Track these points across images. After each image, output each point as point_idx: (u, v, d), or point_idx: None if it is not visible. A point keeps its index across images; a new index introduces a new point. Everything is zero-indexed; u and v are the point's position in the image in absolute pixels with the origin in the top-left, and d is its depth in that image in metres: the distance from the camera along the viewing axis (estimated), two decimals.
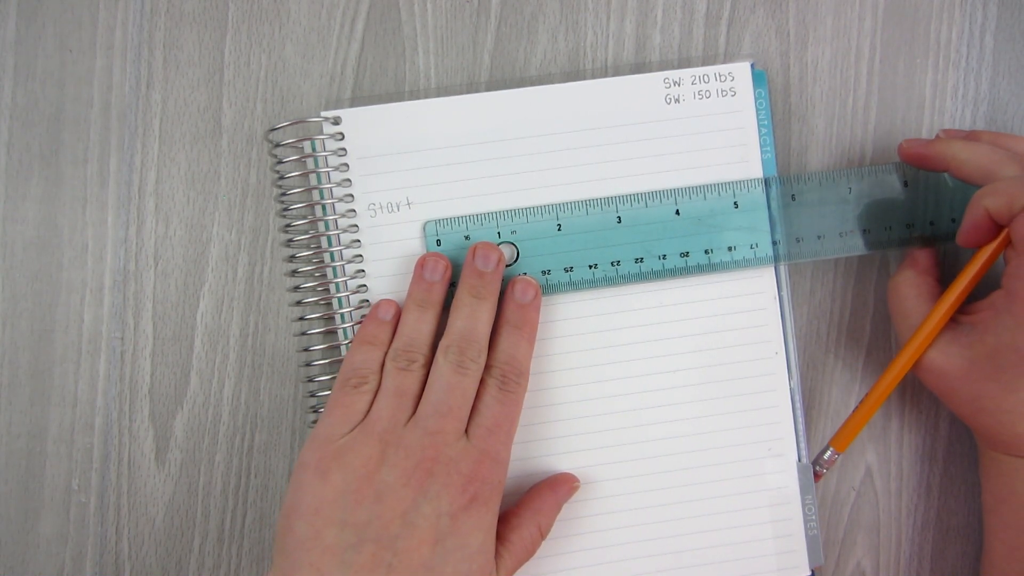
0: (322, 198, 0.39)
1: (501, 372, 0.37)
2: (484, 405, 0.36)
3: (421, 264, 0.38)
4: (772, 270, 0.40)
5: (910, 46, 0.42)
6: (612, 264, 0.39)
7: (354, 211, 0.39)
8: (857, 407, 0.38)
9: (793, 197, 0.40)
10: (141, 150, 0.41)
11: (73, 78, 0.41)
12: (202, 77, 0.41)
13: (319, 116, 0.39)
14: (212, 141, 0.41)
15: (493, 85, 0.41)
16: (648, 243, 0.39)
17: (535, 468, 0.40)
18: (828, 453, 0.39)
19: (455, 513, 0.34)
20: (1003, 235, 0.36)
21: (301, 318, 0.40)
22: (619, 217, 0.39)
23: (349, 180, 0.39)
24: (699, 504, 0.40)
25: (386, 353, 0.37)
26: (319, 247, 0.39)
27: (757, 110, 0.40)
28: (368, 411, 0.36)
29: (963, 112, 0.42)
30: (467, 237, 0.39)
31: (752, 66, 0.40)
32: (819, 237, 0.40)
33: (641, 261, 0.39)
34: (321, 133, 0.39)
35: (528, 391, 0.38)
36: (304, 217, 0.39)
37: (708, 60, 0.42)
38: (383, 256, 0.39)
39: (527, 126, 0.40)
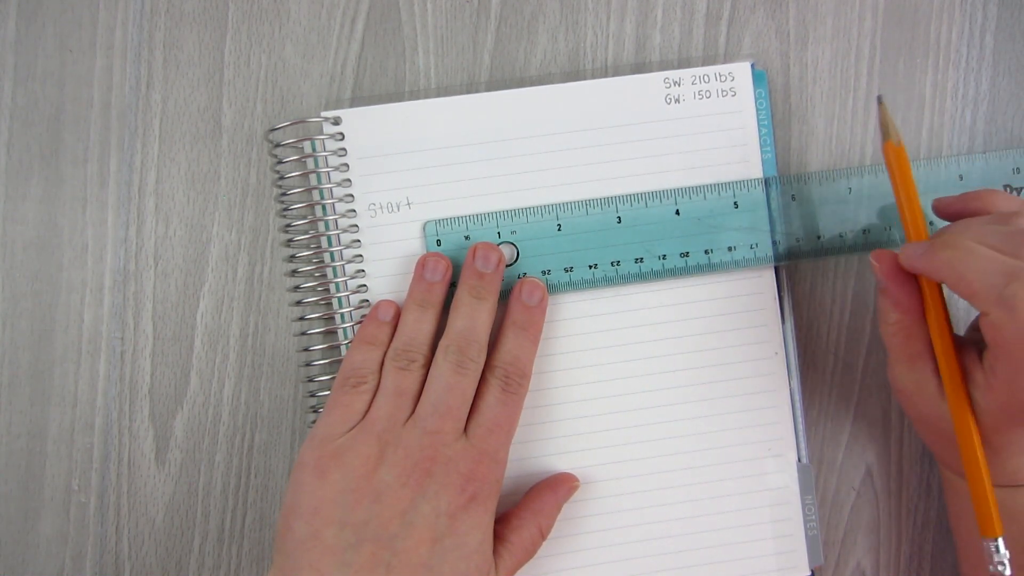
0: (322, 198, 0.39)
1: (504, 372, 0.37)
2: (485, 405, 0.36)
3: (422, 264, 0.38)
4: (772, 270, 0.40)
5: (910, 46, 0.42)
6: (612, 264, 0.39)
7: (354, 211, 0.39)
8: (972, 488, 0.34)
9: (793, 197, 0.40)
10: (141, 150, 0.41)
11: (73, 78, 0.41)
12: (202, 77, 0.41)
13: (319, 116, 0.39)
14: (212, 141, 0.41)
15: (493, 85, 0.41)
16: (648, 243, 0.39)
17: (535, 468, 0.40)
18: (993, 545, 0.34)
19: (453, 512, 0.34)
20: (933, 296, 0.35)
21: (301, 318, 0.40)
22: (619, 217, 0.39)
23: (349, 180, 0.39)
24: (699, 504, 0.40)
25: (386, 353, 0.37)
26: (319, 247, 0.39)
27: (757, 110, 0.40)
28: (367, 411, 0.36)
29: (963, 112, 0.42)
30: (467, 237, 0.39)
31: (752, 66, 0.40)
32: (819, 237, 0.40)
33: (641, 261, 0.39)
34: (321, 133, 0.39)
35: (528, 391, 0.38)
36: (304, 217, 0.40)
37: (708, 60, 0.42)
38: (383, 256, 0.39)
39: (527, 126, 0.40)
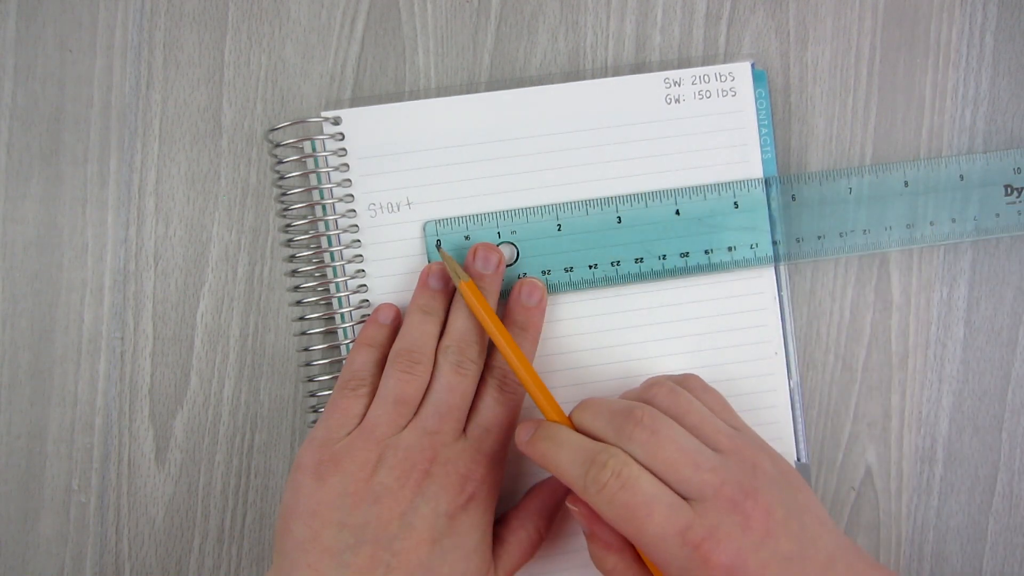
0: (322, 198, 0.39)
1: (503, 373, 0.37)
2: (484, 406, 0.36)
3: (426, 273, 0.38)
4: (772, 270, 0.40)
5: (910, 46, 0.42)
6: (612, 264, 0.39)
7: (354, 211, 0.39)
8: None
9: (793, 197, 0.40)
10: (141, 150, 0.41)
11: (73, 78, 0.41)
12: (202, 77, 0.41)
13: (319, 116, 0.39)
14: (212, 141, 0.41)
15: (493, 85, 0.41)
16: (648, 243, 0.39)
17: (534, 468, 0.40)
18: None
19: (452, 513, 0.34)
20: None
21: (301, 318, 0.40)
22: (619, 217, 0.39)
23: (349, 180, 0.39)
24: None
25: (386, 356, 0.37)
26: (319, 247, 0.39)
27: (757, 110, 0.40)
28: (365, 413, 0.36)
29: (963, 112, 0.42)
30: (467, 237, 0.39)
31: (752, 66, 0.40)
32: (819, 237, 0.40)
33: (641, 261, 0.39)
34: (321, 133, 0.39)
35: None
36: (304, 217, 0.40)
37: (708, 60, 0.42)
38: (383, 256, 0.39)
39: (527, 126, 0.40)
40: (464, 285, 0.36)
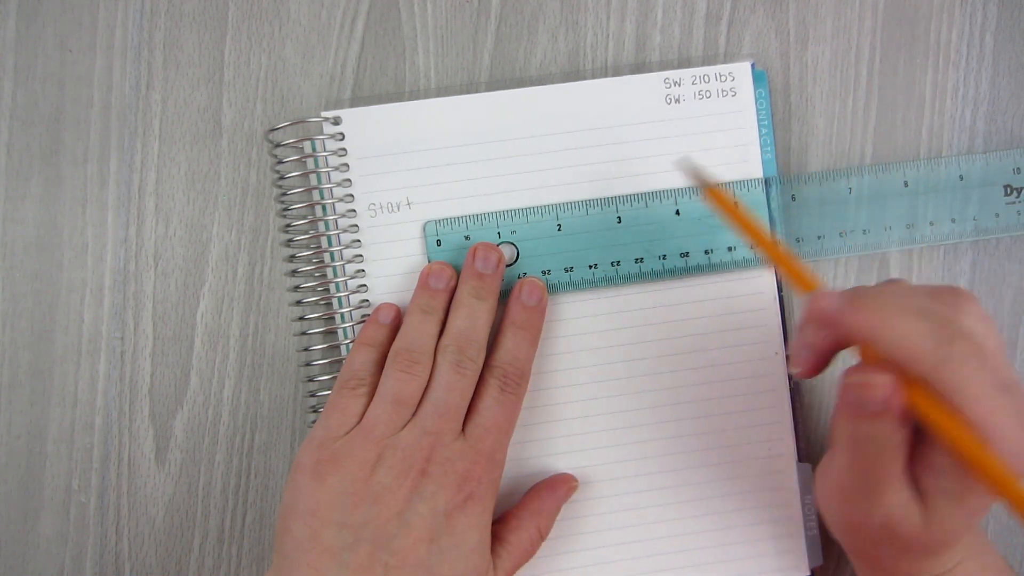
0: (322, 198, 0.39)
1: (503, 372, 0.37)
2: (484, 405, 0.36)
3: (426, 272, 0.38)
4: (772, 270, 0.40)
5: (910, 46, 0.42)
6: (612, 264, 0.39)
7: (354, 211, 0.39)
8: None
9: (793, 197, 0.40)
10: (141, 150, 0.41)
11: (73, 78, 0.41)
12: (202, 77, 0.41)
13: (319, 116, 0.39)
14: (212, 141, 0.41)
15: (493, 85, 0.41)
16: (648, 243, 0.39)
17: (534, 468, 0.40)
18: None
19: (451, 512, 0.34)
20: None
21: (301, 318, 0.40)
22: (619, 217, 0.39)
23: (349, 180, 0.39)
24: (698, 504, 0.40)
25: (385, 355, 0.37)
26: (319, 247, 0.39)
27: (757, 110, 0.40)
28: (364, 412, 0.36)
29: (963, 112, 0.42)
30: (467, 237, 0.39)
31: (752, 66, 0.40)
32: (819, 237, 0.40)
33: (641, 261, 0.39)
34: (321, 133, 0.39)
35: (527, 391, 0.38)
36: (304, 217, 0.40)
37: (708, 60, 0.42)
38: (383, 256, 0.39)
39: (527, 126, 0.40)
40: (711, 192, 0.32)
